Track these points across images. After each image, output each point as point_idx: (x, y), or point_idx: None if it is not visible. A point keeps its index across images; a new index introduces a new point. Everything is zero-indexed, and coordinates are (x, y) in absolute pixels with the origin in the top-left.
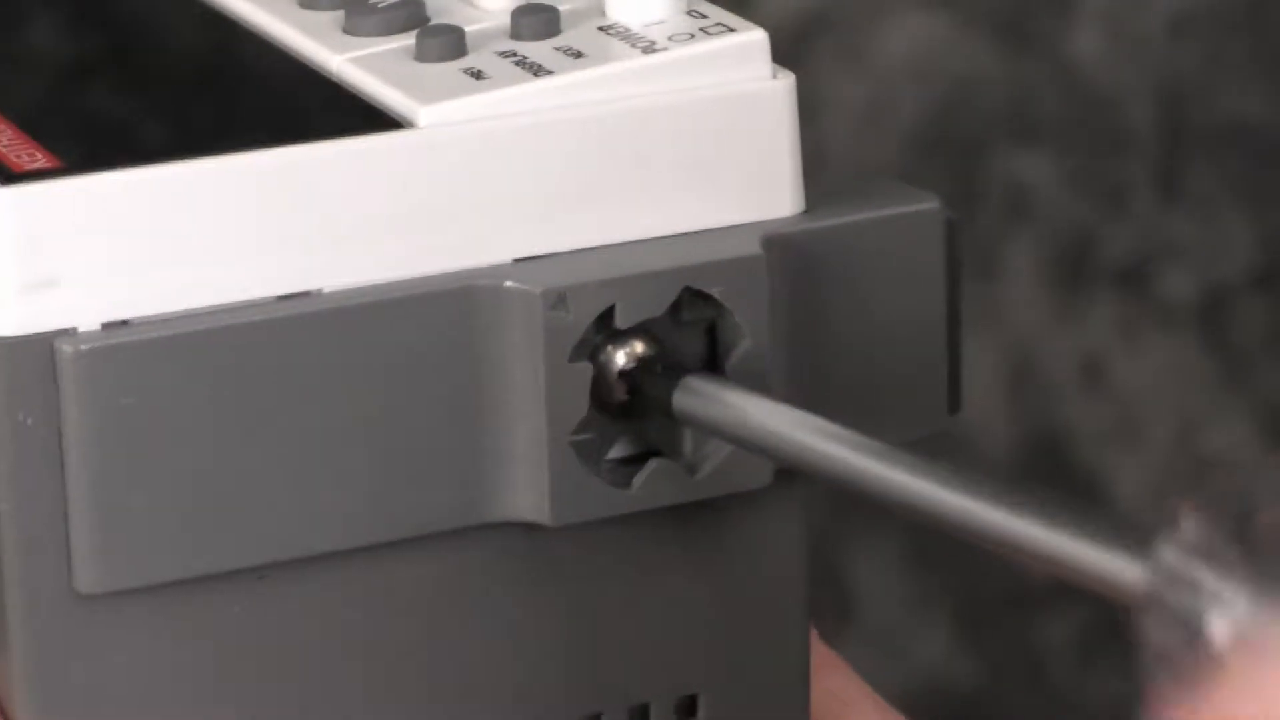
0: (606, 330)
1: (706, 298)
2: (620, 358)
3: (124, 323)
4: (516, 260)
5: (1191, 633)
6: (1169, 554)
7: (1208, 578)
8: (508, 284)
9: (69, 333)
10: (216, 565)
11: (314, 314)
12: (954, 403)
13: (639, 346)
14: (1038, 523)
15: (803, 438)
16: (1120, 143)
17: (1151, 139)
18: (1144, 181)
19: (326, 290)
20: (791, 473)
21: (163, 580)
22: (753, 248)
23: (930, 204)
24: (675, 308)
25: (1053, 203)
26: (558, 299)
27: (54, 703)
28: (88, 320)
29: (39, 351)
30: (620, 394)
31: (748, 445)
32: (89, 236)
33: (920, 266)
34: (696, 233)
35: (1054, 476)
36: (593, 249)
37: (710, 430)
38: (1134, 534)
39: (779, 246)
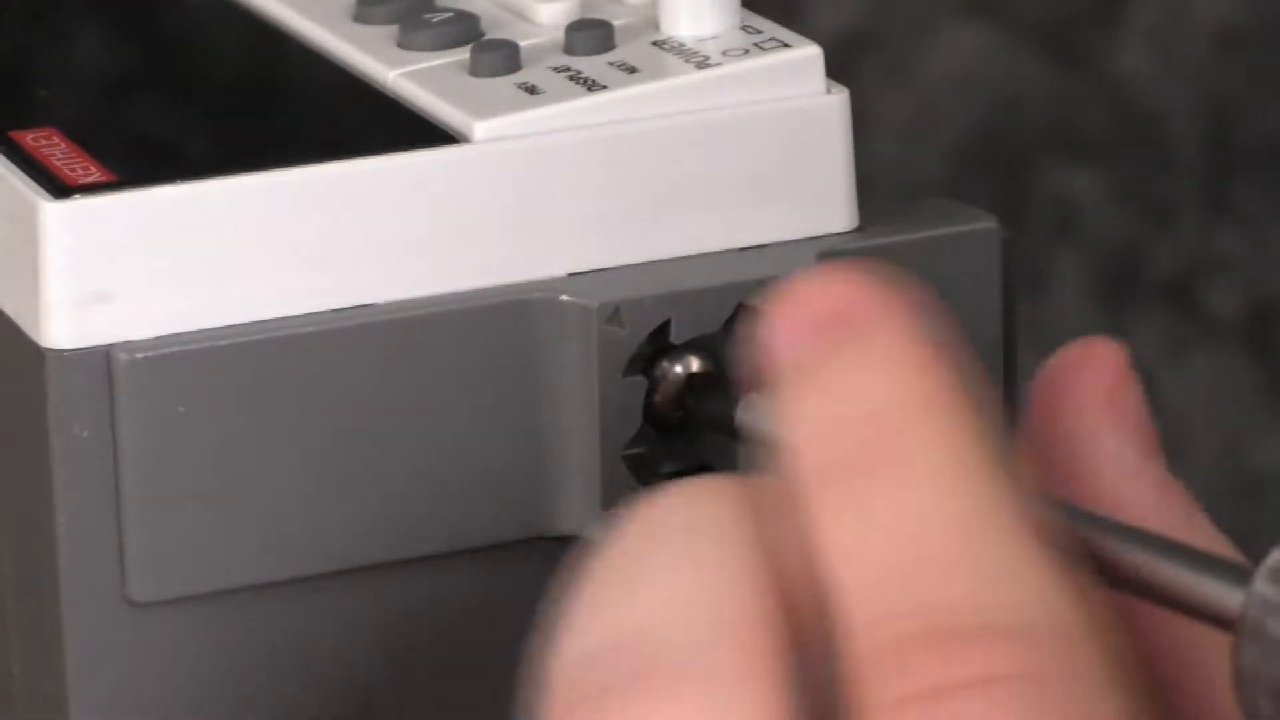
0: (661, 345)
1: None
2: (677, 372)
3: (173, 336)
4: (570, 275)
5: None
6: (1267, 580)
7: None
8: (563, 298)
9: (120, 345)
10: (268, 575)
11: (368, 326)
12: (1010, 423)
13: (695, 362)
14: (1136, 546)
15: None
16: (1166, 158)
17: (1198, 154)
18: (1190, 197)
19: (379, 304)
20: None
21: (215, 589)
22: (809, 264)
23: (988, 223)
24: (730, 324)
25: (1099, 218)
26: (612, 313)
27: (104, 711)
28: (141, 334)
29: (94, 364)
30: (675, 410)
31: None
32: (142, 251)
33: (977, 286)
34: (752, 248)
35: None
36: (648, 264)
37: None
38: (1232, 562)
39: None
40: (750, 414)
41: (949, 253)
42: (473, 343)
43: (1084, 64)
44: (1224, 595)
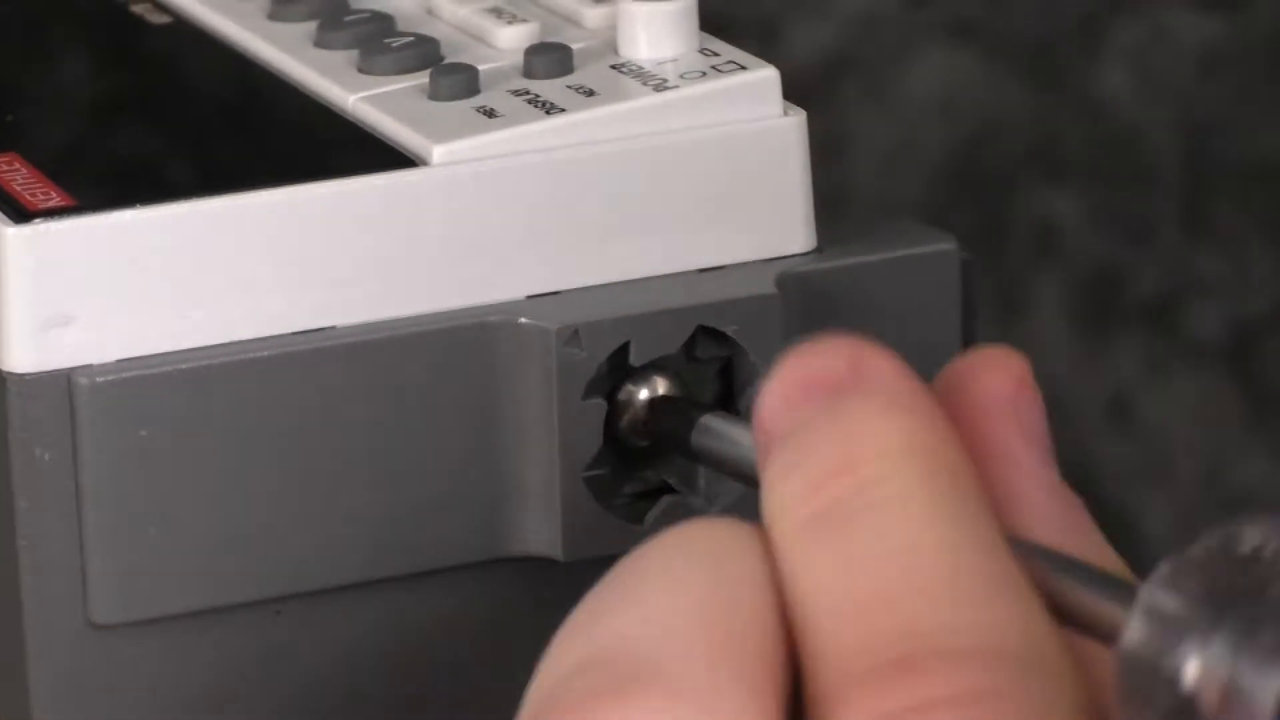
0: (624, 368)
1: (721, 336)
2: (642, 394)
3: (134, 359)
4: (529, 297)
5: (1169, 680)
6: (1151, 598)
7: (1188, 625)
8: (522, 320)
9: (81, 369)
10: (231, 597)
11: (328, 349)
12: None
13: (660, 385)
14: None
15: None
16: (1147, 180)
17: (1179, 176)
18: (1171, 218)
19: (340, 327)
20: None
21: (178, 611)
22: (767, 286)
23: (946, 245)
24: (689, 346)
25: (1080, 240)
26: (571, 335)
27: None
28: (101, 358)
29: (56, 388)
30: (640, 432)
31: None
32: (103, 275)
33: (936, 307)
34: (711, 270)
35: None
36: (607, 285)
37: (725, 470)
38: (1119, 579)
39: (793, 285)
40: (707, 437)
41: (908, 274)
42: (433, 365)
43: (1064, 86)
44: (1110, 612)
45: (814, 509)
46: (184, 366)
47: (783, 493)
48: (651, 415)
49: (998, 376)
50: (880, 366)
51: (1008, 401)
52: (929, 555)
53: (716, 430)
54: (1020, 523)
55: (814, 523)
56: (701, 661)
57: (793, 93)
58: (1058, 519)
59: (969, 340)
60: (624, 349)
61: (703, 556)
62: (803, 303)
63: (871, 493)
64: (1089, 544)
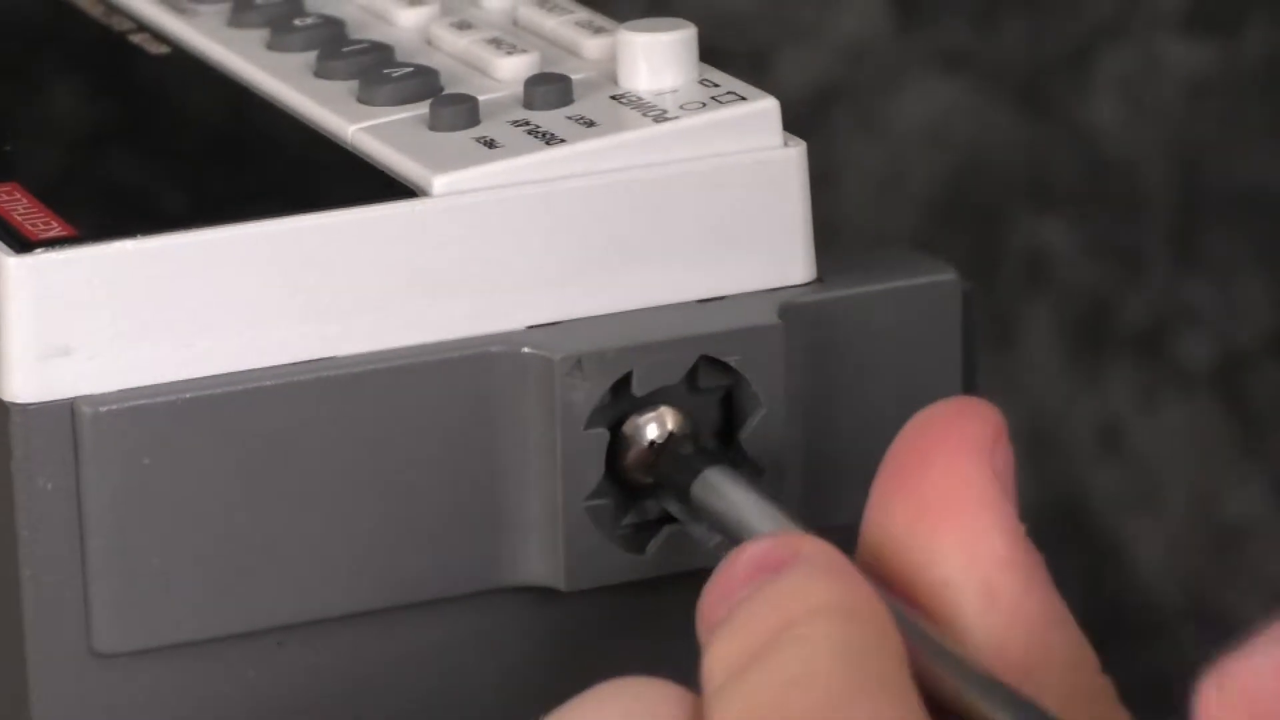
0: (627, 398)
1: (723, 366)
2: (650, 430)
3: (137, 389)
4: (529, 327)
5: None
6: None
7: None
8: (524, 350)
9: (84, 399)
10: (233, 627)
11: (331, 379)
12: None
13: (669, 420)
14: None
15: None
16: (1138, 208)
17: (1169, 204)
18: (1161, 247)
19: (341, 356)
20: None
21: (180, 641)
22: (770, 317)
23: (947, 275)
24: (691, 375)
25: (1070, 268)
26: (574, 365)
27: None
28: (103, 387)
29: (58, 417)
30: (643, 470)
31: None
32: (104, 305)
33: (936, 337)
34: (712, 301)
35: (1072, 542)
36: (609, 315)
37: (720, 529)
38: (1018, 699)
39: (795, 315)
40: (707, 492)
41: (909, 304)
42: (435, 395)
43: (1055, 115)
44: None
45: (736, 660)
46: (186, 396)
47: (719, 656)
48: (656, 457)
49: (978, 425)
50: (812, 549)
51: (986, 450)
52: (822, 692)
53: (718, 488)
54: (987, 570)
55: (733, 671)
56: None
57: (783, 123)
58: (1022, 571)
59: (969, 369)
60: (626, 379)
61: (628, 714)
62: (804, 332)
63: (788, 636)
64: (1042, 597)
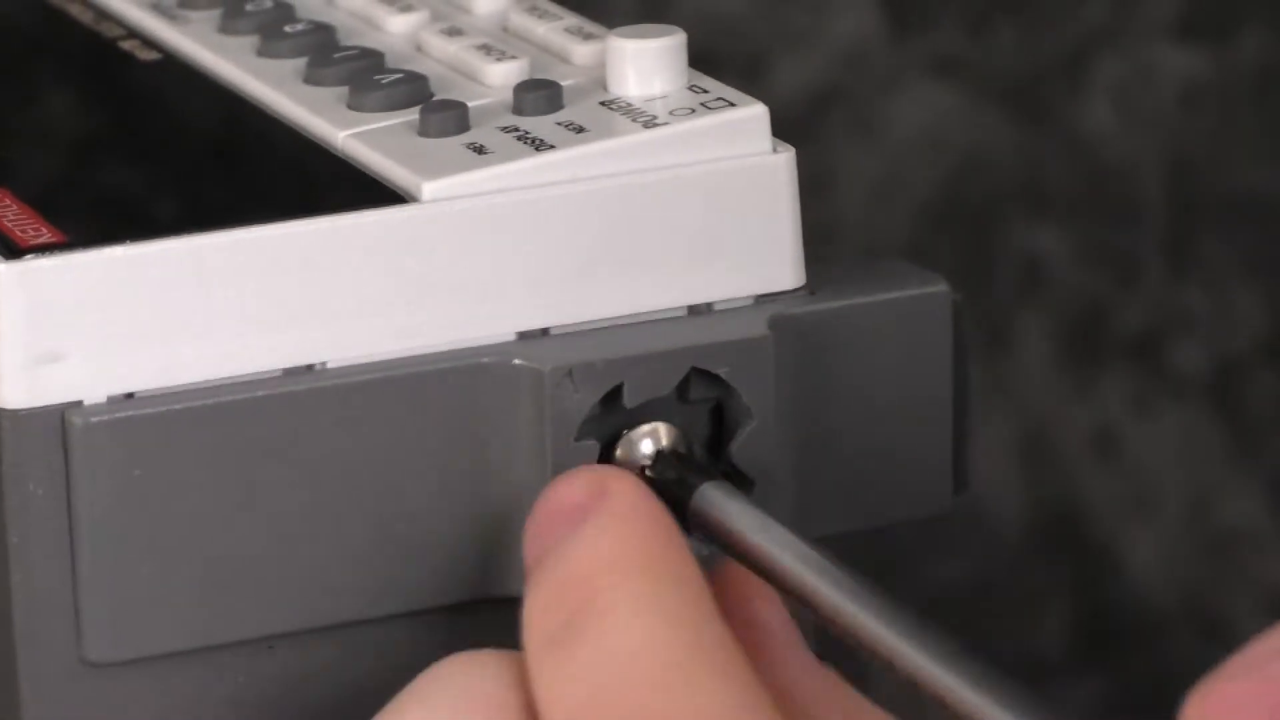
0: (619, 409)
1: (713, 377)
2: (645, 447)
3: (129, 396)
4: (520, 334)
5: None
6: None
7: None
8: (515, 361)
9: (76, 405)
10: (224, 636)
11: (321, 389)
12: (959, 485)
13: (663, 436)
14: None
15: (800, 575)
16: (1131, 215)
17: (1163, 211)
18: (1155, 253)
19: (331, 364)
20: None
21: (170, 650)
22: (759, 328)
23: (938, 286)
24: (682, 387)
25: (1064, 275)
26: (565, 377)
27: None
28: (93, 393)
29: (47, 423)
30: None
31: (751, 569)
32: (94, 311)
33: (927, 348)
34: (703, 312)
35: (1067, 549)
36: (600, 327)
37: (719, 544)
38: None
39: (786, 327)
40: (704, 505)
41: (900, 315)
42: (426, 405)
43: (1049, 121)
44: None
45: (553, 626)
46: (177, 407)
47: (529, 614)
48: (651, 469)
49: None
50: (619, 488)
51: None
52: (646, 657)
53: (714, 503)
54: (782, 692)
55: (552, 639)
56: None
57: (777, 128)
58: (820, 692)
59: (959, 380)
60: (617, 390)
61: (455, 687)
62: (795, 344)
63: (599, 602)
64: (849, 708)
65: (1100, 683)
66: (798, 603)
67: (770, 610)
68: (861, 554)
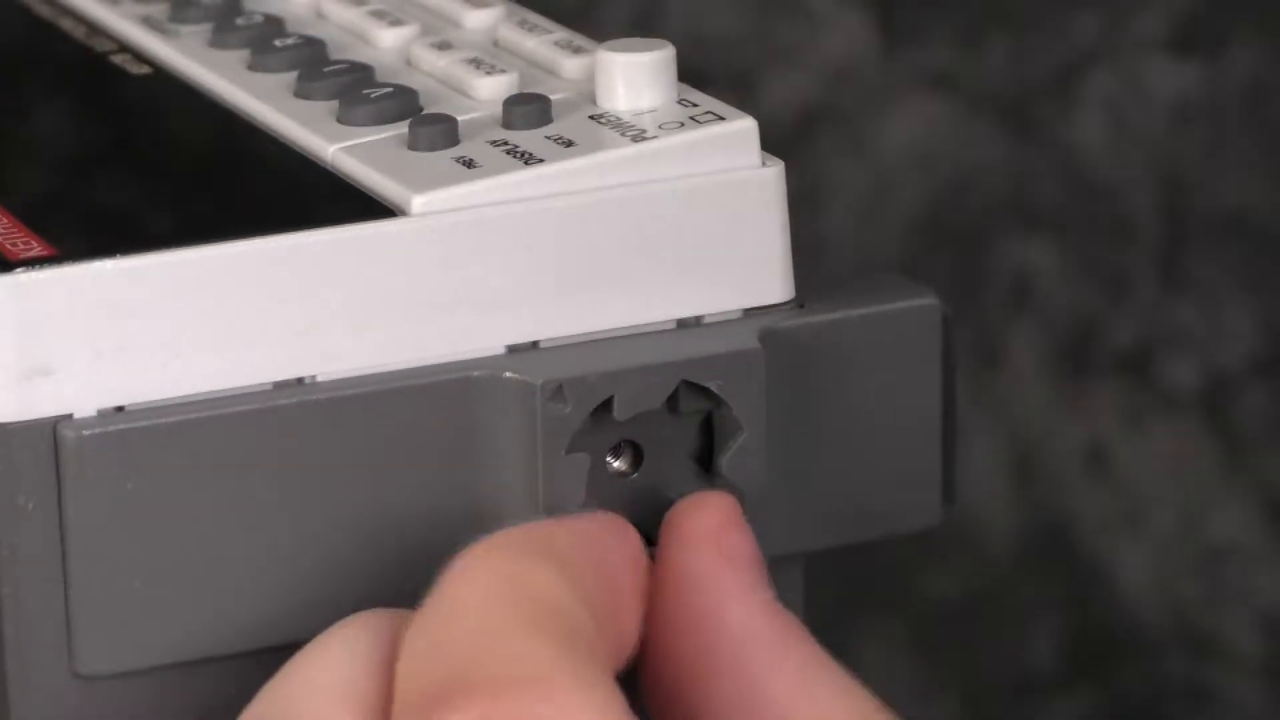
0: (609, 422)
1: (704, 390)
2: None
3: (120, 409)
4: (509, 347)
5: None
6: None
7: None
8: (506, 375)
9: (67, 419)
10: (216, 649)
11: (313, 403)
12: (948, 499)
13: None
14: None
15: None
16: (1122, 230)
17: (1153, 227)
18: (1146, 269)
19: (321, 377)
20: (792, 555)
21: (162, 663)
22: (750, 341)
23: (928, 300)
24: (672, 400)
25: (1055, 290)
26: (555, 390)
27: None
28: (84, 406)
29: (38, 437)
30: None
31: None
32: (84, 324)
33: (916, 362)
34: (693, 325)
35: (1057, 564)
36: (590, 340)
37: None
38: None
39: (776, 340)
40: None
41: (889, 329)
42: (416, 418)
43: (1039, 137)
44: None
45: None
46: (168, 420)
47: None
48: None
49: (705, 514)
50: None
51: (710, 535)
52: (472, 619)
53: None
54: (724, 639)
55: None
56: (327, 710)
57: (768, 144)
58: (764, 633)
59: (948, 394)
60: (608, 404)
61: (338, 640)
62: (785, 357)
63: (454, 582)
64: (801, 654)
65: (1091, 698)
66: None
67: (711, 561)
68: (852, 568)
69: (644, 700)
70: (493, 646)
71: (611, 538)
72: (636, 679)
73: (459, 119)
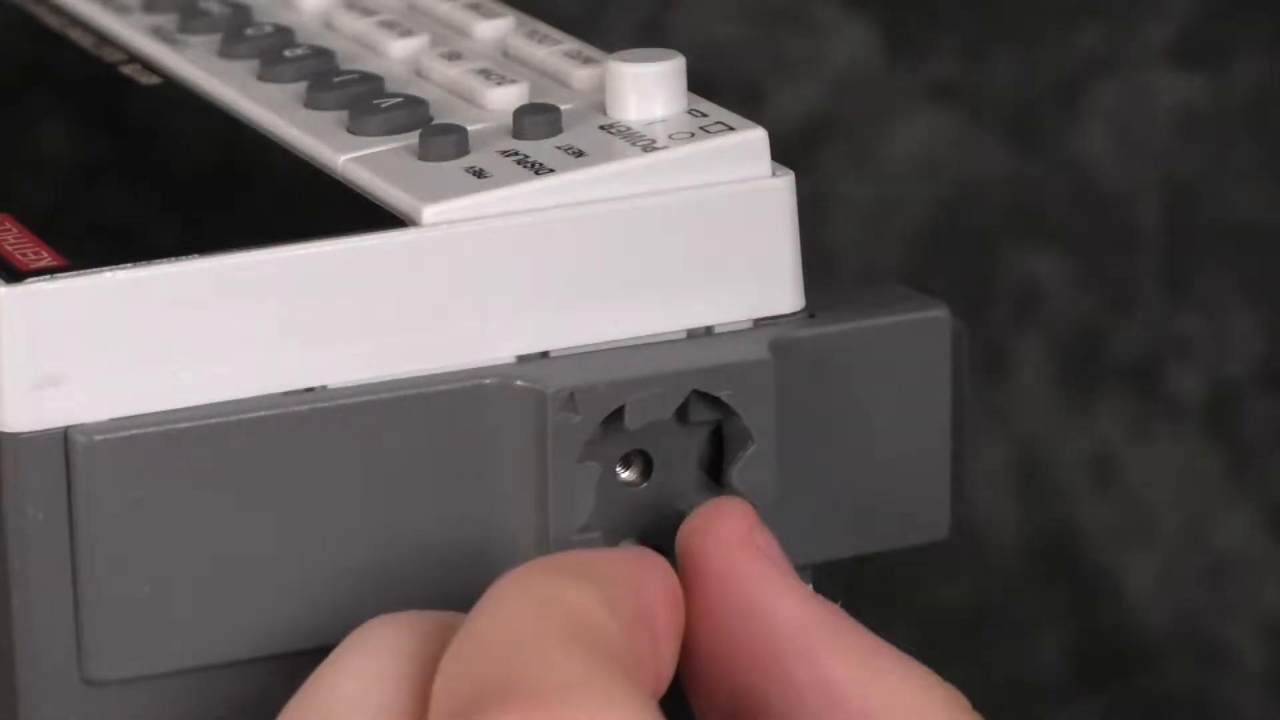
0: (620, 431)
1: (714, 400)
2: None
3: (129, 418)
4: (519, 356)
5: None
6: None
7: None
8: (517, 383)
9: (77, 428)
10: (225, 655)
11: (323, 411)
12: (957, 510)
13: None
14: None
15: None
16: (1128, 241)
17: (1159, 237)
18: (1152, 279)
19: (331, 386)
20: (800, 566)
21: (173, 669)
22: (761, 352)
23: (938, 311)
24: (682, 409)
25: (1061, 301)
26: (567, 399)
27: None
28: (94, 416)
29: (50, 447)
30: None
31: None
32: (94, 334)
33: (926, 374)
34: (704, 335)
35: (1063, 574)
36: (601, 349)
37: None
38: None
39: (786, 351)
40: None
41: (899, 340)
42: (427, 426)
43: (1045, 148)
44: None
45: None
46: (179, 427)
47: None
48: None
49: (732, 518)
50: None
51: (744, 534)
52: (505, 633)
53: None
54: (783, 630)
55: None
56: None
57: (774, 154)
58: (822, 620)
59: (958, 405)
60: (619, 413)
61: (366, 647)
62: (795, 367)
63: (491, 603)
64: (860, 638)
65: (1097, 708)
66: None
67: (753, 557)
68: (858, 576)
69: (696, 711)
70: (531, 657)
71: (649, 571)
72: (676, 702)
73: (469, 129)
